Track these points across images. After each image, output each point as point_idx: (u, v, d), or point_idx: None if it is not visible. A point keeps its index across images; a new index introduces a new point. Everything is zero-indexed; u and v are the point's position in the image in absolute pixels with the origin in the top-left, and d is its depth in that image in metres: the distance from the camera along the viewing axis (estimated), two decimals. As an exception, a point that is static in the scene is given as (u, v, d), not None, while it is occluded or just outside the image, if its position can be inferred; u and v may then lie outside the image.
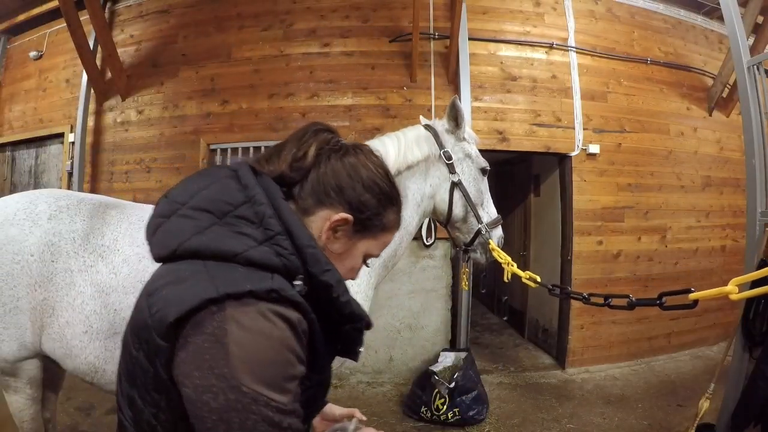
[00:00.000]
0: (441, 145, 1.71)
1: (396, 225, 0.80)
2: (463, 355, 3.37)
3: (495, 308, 5.76)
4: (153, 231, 0.69)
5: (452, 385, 2.95)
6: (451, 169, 1.70)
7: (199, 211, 0.65)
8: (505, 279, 1.81)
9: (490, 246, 1.75)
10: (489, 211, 1.80)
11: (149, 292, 0.64)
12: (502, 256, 1.76)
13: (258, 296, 0.58)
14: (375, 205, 0.73)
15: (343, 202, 0.71)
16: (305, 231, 0.67)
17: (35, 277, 1.36)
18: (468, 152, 1.78)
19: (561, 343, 3.94)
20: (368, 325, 0.75)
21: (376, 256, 0.80)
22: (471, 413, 2.88)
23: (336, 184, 0.71)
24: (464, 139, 1.79)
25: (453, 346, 3.69)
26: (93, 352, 1.36)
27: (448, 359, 3.38)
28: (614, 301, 1.42)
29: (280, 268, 0.63)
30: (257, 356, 0.56)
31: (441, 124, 1.78)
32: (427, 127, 1.77)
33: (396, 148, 1.64)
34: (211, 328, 0.56)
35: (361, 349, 0.77)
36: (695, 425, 2.36)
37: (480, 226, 1.74)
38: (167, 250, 0.65)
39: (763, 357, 2.21)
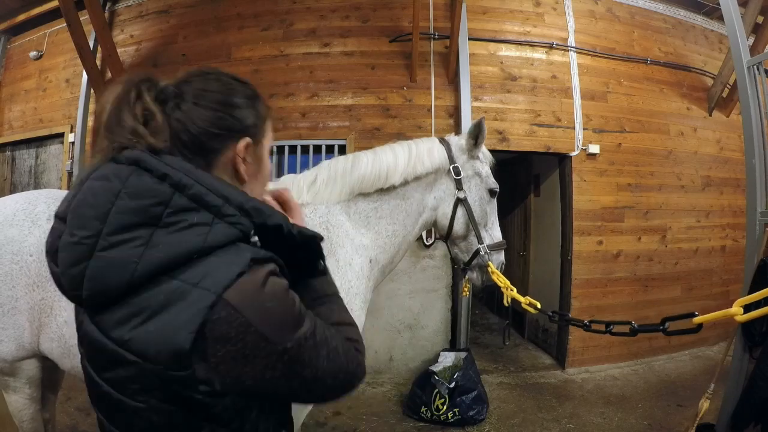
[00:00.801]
0: (452, 160, 1.69)
1: (265, 106, 0.77)
2: (463, 355, 3.37)
3: (495, 308, 5.76)
4: (76, 283, 0.58)
5: (452, 385, 2.95)
6: (458, 185, 1.68)
7: (125, 231, 0.57)
8: (505, 303, 1.79)
9: (489, 269, 1.71)
10: (493, 234, 1.76)
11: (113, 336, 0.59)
12: (502, 280, 1.72)
13: (244, 272, 0.58)
14: (250, 114, 0.72)
15: (231, 133, 0.70)
16: (234, 189, 0.64)
17: (33, 277, 1.36)
18: (478, 171, 1.75)
19: (561, 343, 3.94)
20: (321, 238, 0.75)
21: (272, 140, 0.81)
22: (471, 413, 2.88)
23: (207, 126, 0.68)
24: (477, 157, 1.77)
25: (453, 346, 3.69)
26: None
27: (448, 359, 3.38)
28: (616, 328, 1.41)
29: (240, 238, 0.62)
30: (275, 318, 0.59)
31: (456, 140, 1.77)
32: (442, 140, 1.75)
33: (406, 157, 1.63)
34: (233, 331, 0.56)
35: (323, 262, 0.79)
36: (695, 425, 2.36)
37: (479, 246, 1.71)
38: (118, 287, 0.57)
39: (763, 357, 2.21)
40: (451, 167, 1.68)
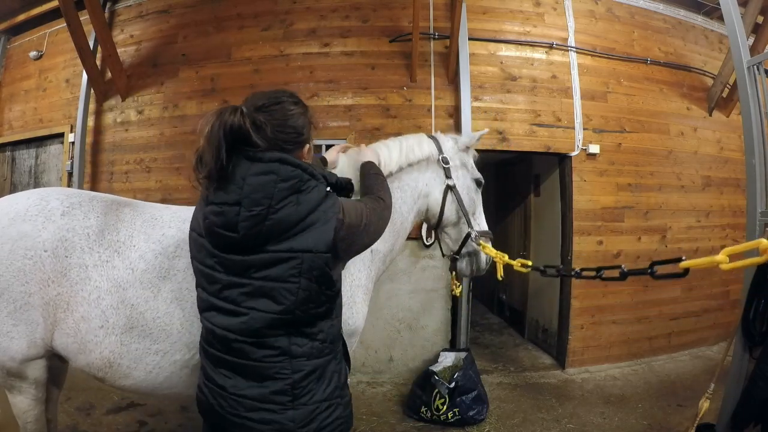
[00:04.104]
0: (441, 150, 1.81)
1: (311, 117, 1.21)
2: (463, 355, 3.37)
3: (495, 309, 5.76)
4: (253, 237, 1.01)
5: (452, 385, 2.95)
6: (447, 173, 1.79)
7: (284, 199, 1.03)
8: (498, 277, 1.83)
9: (480, 245, 1.78)
10: (480, 224, 1.86)
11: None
12: (493, 252, 1.78)
13: (339, 202, 1.12)
14: (308, 129, 1.16)
15: (300, 145, 1.17)
16: (316, 167, 1.13)
17: (48, 272, 1.36)
18: (465, 162, 1.87)
19: (561, 343, 3.94)
20: (349, 180, 1.31)
21: None
22: (471, 413, 2.88)
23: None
24: (464, 151, 1.88)
25: (453, 346, 3.69)
26: (108, 347, 1.37)
27: (448, 359, 3.38)
28: (606, 273, 1.44)
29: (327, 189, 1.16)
30: (357, 214, 1.13)
31: (443, 136, 1.89)
32: (430, 136, 1.87)
33: (399, 148, 1.74)
34: (345, 228, 1.08)
35: (353, 188, 1.34)
36: (695, 425, 2.36)
37: (469, 230, 1.78)
38: (290, 226, 1.01)
39: (763, 357, 2.21)
40: (440, 157, 1.79)
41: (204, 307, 1.12)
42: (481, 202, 1.90)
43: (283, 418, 1.03)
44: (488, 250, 1.78)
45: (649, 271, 1.32)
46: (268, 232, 0.99)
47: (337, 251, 1.05)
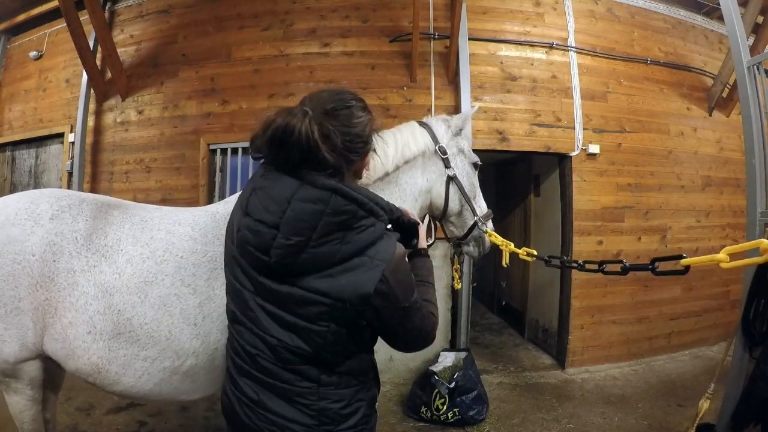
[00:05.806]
0: (436, 141, 1.74)
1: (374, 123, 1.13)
2: (463, 355, 3.37)
3: (495, 309, 5.77)
4: (286, 267, 0.92)
5: (452, 385, 2.95)
6: (447, 163, 1.73)
7: (329, 235, 0.91)
8: (504, 264, 1.87)
9: (487, 232, 1.81)
10: (480, 206, 1.86)
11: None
12: (499, 240, 1.82)
13: (395, 251, 0.96)
14: (371, 136, 1.07)
15: (362, 155, 1.05)
16: (380, 198, 0.99)
17: (36, 277, 1.34)
18: (461, 147, 1.82)
19: (561, 343, 3.94)
20: (418, 223, 1.17)
21: None
22: (471, 413, 2.88)
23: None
24: (458, 135, 1.83)
25: (453, 346, 3.69)
26: (96, 353, 1.35)
27: (448, 359, 3.38)
28: (608, 267, 1.46)
29: (386, 227, 0.98)
30: (403, 287, 0.95)
31: (435, 121, 1.82)
32: (421, 123, 1.79)
33: (394, 144, 1.67)
34: (385, 288, 0.91)
35: (417, 240, 1.16)
36: (695, 425, 2.36)
37: (475, 218, 1.80)
38: (326, 265, 0.91)
39: (763, 357, 2.20)
40: (437, 147, 1.73)
41: (233, 320, 1.07)
42: (478, 183, 1.88)
43: None
44: (494, 239, 1.81)
45: (650, 267, 1.33)
46: (302, 264, 0.90)
47: (372, 305, 0.91)
